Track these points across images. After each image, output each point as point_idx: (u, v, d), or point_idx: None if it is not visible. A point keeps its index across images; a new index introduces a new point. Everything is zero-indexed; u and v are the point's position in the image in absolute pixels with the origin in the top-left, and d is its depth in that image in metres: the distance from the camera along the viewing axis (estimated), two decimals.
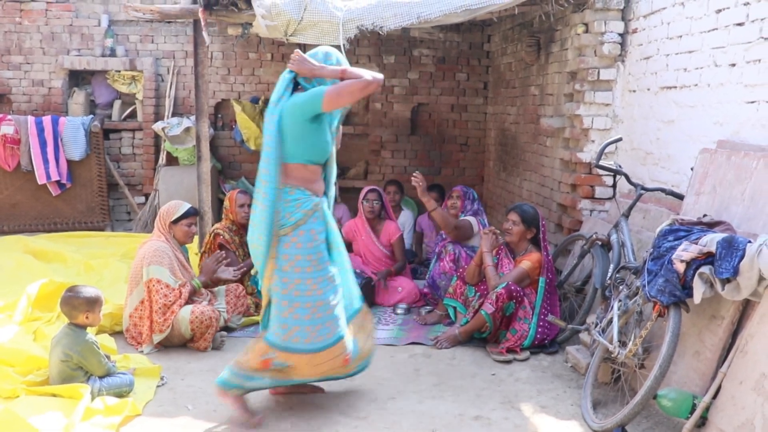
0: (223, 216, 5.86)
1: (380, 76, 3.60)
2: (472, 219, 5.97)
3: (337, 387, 4.25)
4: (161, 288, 4.81)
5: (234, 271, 5.31)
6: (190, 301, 4.93)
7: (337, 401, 4.10)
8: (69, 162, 8.49)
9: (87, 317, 4.01)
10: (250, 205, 5.74)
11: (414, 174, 5.76)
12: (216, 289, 5.28)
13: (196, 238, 6.04)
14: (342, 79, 3.62)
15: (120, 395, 3.98)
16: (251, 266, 5.78)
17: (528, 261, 5.11)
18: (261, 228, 3.67)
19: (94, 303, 4.03)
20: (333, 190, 3.95)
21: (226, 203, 5.81)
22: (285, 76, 3.73)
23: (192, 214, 5.14)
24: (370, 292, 6.07)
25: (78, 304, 3.99)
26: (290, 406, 4.04)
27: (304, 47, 8.26)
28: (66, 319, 4.10)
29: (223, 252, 5.33)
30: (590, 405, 3.93)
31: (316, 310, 3.67)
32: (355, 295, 3.99)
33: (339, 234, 3.90)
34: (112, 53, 8.92)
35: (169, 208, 5.13)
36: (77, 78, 9.23)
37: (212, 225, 5.93)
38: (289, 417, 3.91)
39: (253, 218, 3.74)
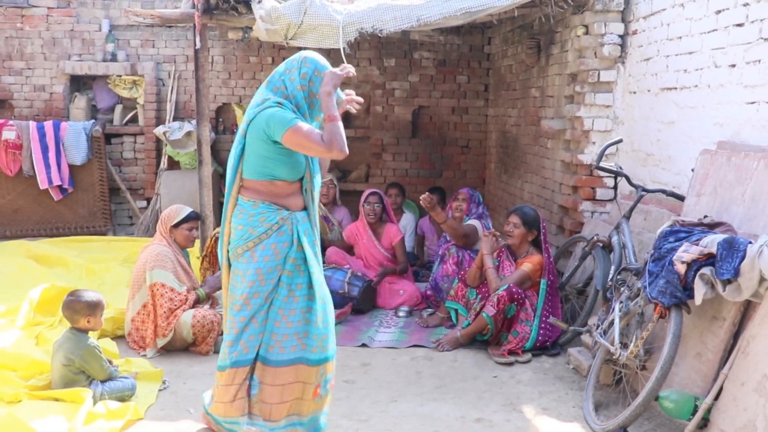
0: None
1: (345, 151, 3.29)
2: (476, 223, 5.97)
3: (338, 390, 4.25)
4: (166, 292, 4.82)
5: None
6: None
7: (338, 404, 4.09)
8: (71, 167, 8.50)
9: (88, 321, 4.02)
10: None
11: (423, 197, 5.66)
12: (217, 293, 5.27)
13: (198, 242, 6.03)
14: (324, 121, 3.31)
15: (122, 399, 3.99)
16: None
17: (529, 263, 5.11)
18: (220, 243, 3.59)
19: (95, 307, 4.04)
20: (315, 207, 3.60)
21: None
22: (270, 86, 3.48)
23: (193, 218, 5.14)
24: (371, 295, 6.07)
25: (79, 309, 4.00)
26: None
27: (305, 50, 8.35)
28: (68, 323, 4.10)
29: None
30: (592, 407, 3.93)
31: (236, 325, 3.45)
32: (308, 342, 3.47)
33: (315, 260, 3.52)
34: (113, 58, 8.94)
35: (170, 212, 5.14)
36: (78, 83, 9.25)
37: (213, 229, 5.93)
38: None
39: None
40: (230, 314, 3.50)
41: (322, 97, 3.37)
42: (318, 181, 3.62)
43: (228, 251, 3.55)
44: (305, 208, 3.56)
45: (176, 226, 5.07)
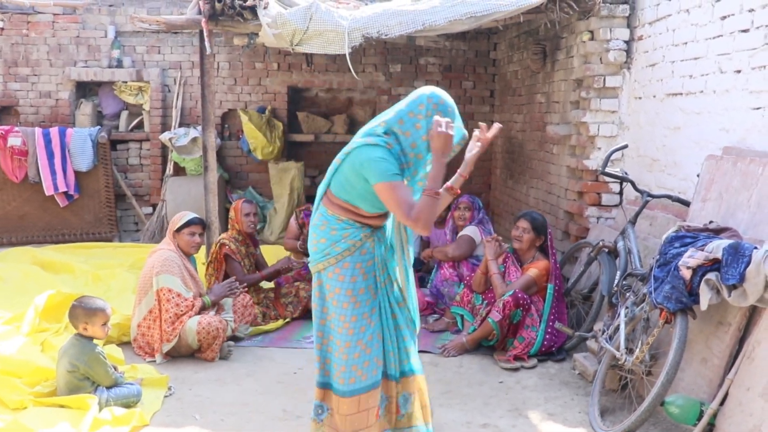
0: (229, 226, 5.90)
1: (428, 232, 3.20)
2: (472, 230, 5.99)
3: None
4: (173, 297, 4.84)
5: (239, 290, 5.31)
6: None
7: None
8: (76, 173, 8.54)
9: (86, 328, 4.02)
10: (255, 214, 5.79)
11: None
12: (223, 300, 5.29)
13: (203, 249, 6.07)
14: (425, 192, 3.17)
15: (128, 406, 4.01)
16: (258, 280, 5.81)
17: (535, 268, 5.12)
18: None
19: (93, 314, 4.02)
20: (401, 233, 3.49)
21: (232, 213, 5.84)
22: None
23: (195, 223, 5.15)
24: None
25: (78, 314, 4.02)
26: (298, 415, 4.06)
27: (311, 57, 8.40)
28: (73, 329, 4.13)
29: (237, 283, 5.32)
30: (598, 412, 3.94)
31: (345, 350, 3.35)
32: (406, 357, 3.50)
33: (407, 274, 3.49)
34: (119, 64, 9.00)
35: (175, 217, 5.18)
36: (84, 89, 9.31)
37: (219, 235, 5.97)
38: (297, 426, 3.92)
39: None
40: (342, 338, 3.37)
41: (433, 160, 3.21)
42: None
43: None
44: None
45: (178, 230, 5.10)
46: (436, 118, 3.17)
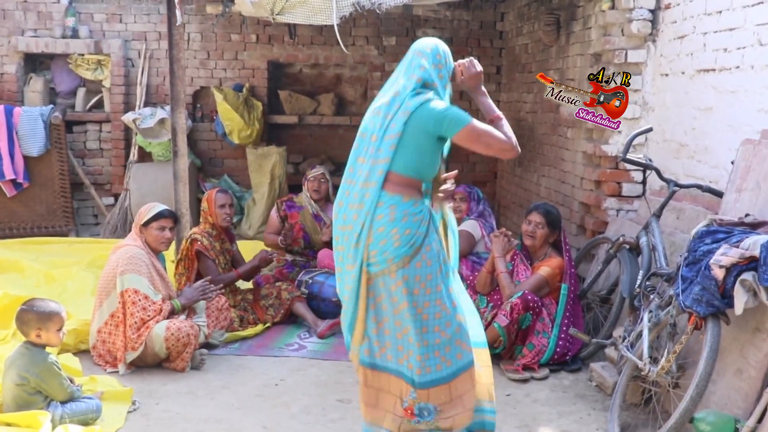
0: (201, 219, 5.87)
1: (519, 150, 3.66)
2: (471, 225, 5.95)
3: (332, 410, 4.25)
4: (139, 300, 4.82)
5: (214, 292, 5.28)
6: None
7: (332, 425, 4.11)
8: (26, 158, 8.48)
9: (39, 335, 3.97)
10: (231, 206, 5.77)
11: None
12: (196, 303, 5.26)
13: (173, 245, 6.03)
14: (491, 121, 3.69)
15: (86, 423, 3.98)
16: (234, 279, 5.79)
17: (547, 267, 5.12)
18: (349, 254, 3.60)
19: (47, 319, 3.97)
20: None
21: (204, 205, 5.81)
22: (418, 74, 3.63)
23: (165, 216, 5.13)
24: None
25: (28, 320, 3.96)
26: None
27: (294, 28, 8.36)
28: (23, 337, 4.09)
29: (212, 285, 5.29)
30: (618, 429, 3.94)
31: (447, 330, 3.56)
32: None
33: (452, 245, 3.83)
34: (74, 34, 8.93)
35: (142, 210, 5.15)
36: (34, 62, 9.24)
37: (190, 229, 5.94)
38: None
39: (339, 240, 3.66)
40: (442, 320, 3.57)
41: (477, 97, 3.77)
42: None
43: (371, 264, 3.54)
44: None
45: (146, 224, 5.07)
46: (459, 61, 3.76)
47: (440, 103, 3.57)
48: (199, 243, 5.62)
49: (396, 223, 3.47)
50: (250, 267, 5.89)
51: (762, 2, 4.43)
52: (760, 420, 3.42)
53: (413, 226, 3.49)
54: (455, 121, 3.50)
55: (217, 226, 5.78)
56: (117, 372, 4.80)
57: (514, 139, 3.61)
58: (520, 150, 3.66)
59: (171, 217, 5.19)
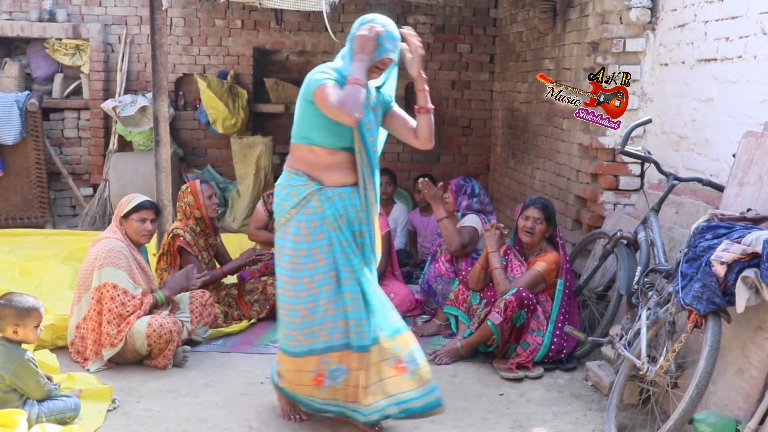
0: (181, 215, 5.75)
1: (354, 115, 3.67)
2: (474, 220, 5.92)
3: None
4: (118, 294, 4.79)
5: (197, 279, 5.27)
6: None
7: (321, 426, 4.10)
8: (1, 147, 8.44)
9: (15, 332, 3.93)
10: (215, 195, 5.75)
11: (422, 181, 5.75)
12: (178, 296, 5.24)
13: (155, 238, 6.00)
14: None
15: (63, 422, 3.96)
16: (219, 277, 5.77)
17: (543, 262, 5.11)
18: None
19: (25, 315, 3.94)
20: (371, 186, 3.96)
21: (189, 198, 5.67)
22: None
23: (146, 207, 5.09)
24: None
25: (5, 315, 3.92)
26: (265, 431, 4.04)
27: (281, 13, 8.32)
28: None
29: (196, 272, 5.27)
30: (615, 430, 3.95)
31: (286, 312, 3.91)
32: (369, 325, 3.87)
33: (367, 245, 3.97)
34: (52, 17, 8.87)
35: (122, 201, 5.12)
36: (9, 46, 9.18)
37: (172, 221, 5.90)
38: None
39: None
40: (283, 300, 3.94)
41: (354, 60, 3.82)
42: (370, 157, 3.93)
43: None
44: (353, 185, 3.92)
45: (126, 216, 5.04)
46: (408, 34, 3.94)
47: (321, 68, 3.84)
48: (181, 239, 5.57)
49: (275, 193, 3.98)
50: (236, 266, 5.87)
51: None
52: (762, 421, 3.43)
53: (279, 196, 3.91)
54: (311, 82, 3.76)
55: (205, 219, 5.72)
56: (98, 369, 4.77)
57: (348, 102, 3.63)
58: (353, 114, 3.64)
59: (152, 208, 5.16)
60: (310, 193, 3.82)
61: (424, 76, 3.90)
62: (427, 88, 3.90)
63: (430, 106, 3.91)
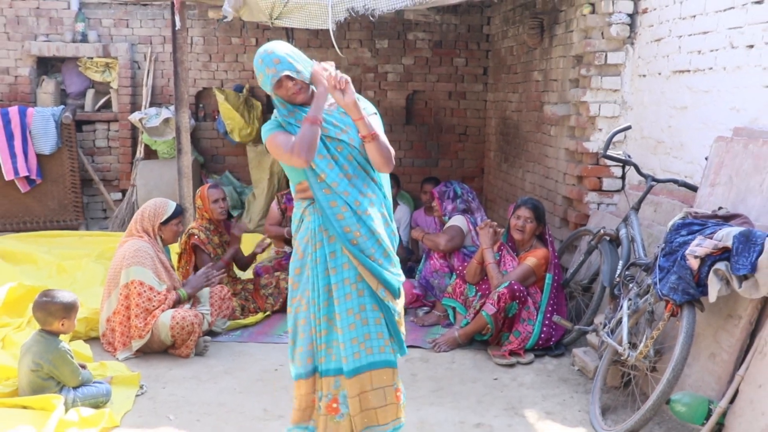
0: (197, 215, 5.81)
1: (302, 157, 3.11)
2: (459, 220, 5.93)
3: None
4: (144, 291, 4.81)
5: (217, 278, 5.29)
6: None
7: None
8: (39, 156, 8.45)
9: (63, 324, 3.99)
10: (224, 199, 5.75)
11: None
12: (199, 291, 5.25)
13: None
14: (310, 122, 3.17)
15: (96, 406, 3.98)
16: (221, 267, 5.74)
17: (533, 257, 5.11)
18: None
19: (71, 309, 4.01)
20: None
21: (199, 202, 5.72)
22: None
23: (180, 213, 5.19)
24: None
25: (55, 310, 3.96)
26: (280, 414, 4.04)
27: (292, 31, 8.32)
28: (36, 324, 4.08)
29: (215, 272, 5.30)
30: (599, 411, 3.94)
31: (290, 334, 3.44)
32: (343, 353, 3.28)
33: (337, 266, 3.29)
34: (84, 39, 8.88)
35: (157, 207, 5.11)
36: (46, 65, 9.19)
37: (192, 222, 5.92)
38: (278, 427, 3.90)
39: None
40: (289, 321, 3.47)
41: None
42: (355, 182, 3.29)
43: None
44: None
45: (165, 222, 5.07)
46: (326, 69, 3.24)
47: (265, 126, 3.34)
48: (196, 237, 5.61)
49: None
50: (231, 253, 5.78)
51: (733, 7, 4.42)
52: (732, 401, 3.43)
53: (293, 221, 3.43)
54: (263, 135, 3.30)
55: (214, 221, 5.75)
56: (127, 358, 4.79)
57: (297, 145, 3.11)
58: (301, 156, 3.11)
59: (183, 212, 5.25)
60: (304, 210, 3.33)
61: (360, 105, 3.18)
62: (363, 115, 3.17)
63: (372, 132, 3.18)
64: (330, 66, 3.28)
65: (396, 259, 3.36)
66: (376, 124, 3.30)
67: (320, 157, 3.22)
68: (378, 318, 3.28)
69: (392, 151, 3.29)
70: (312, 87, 3.28)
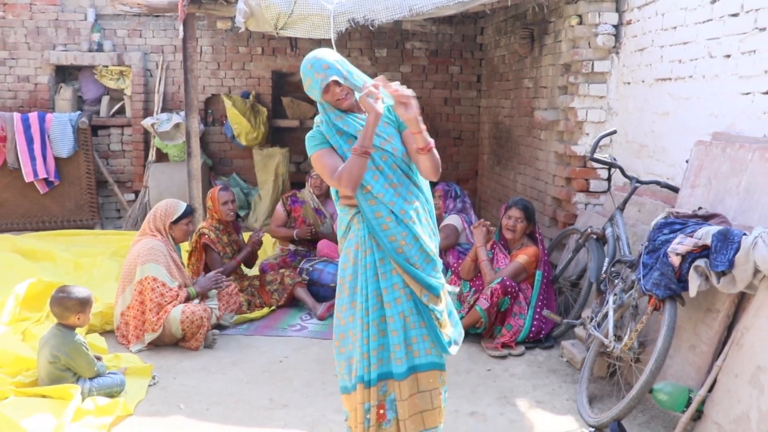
0: (207, 215, 5.84)
1: (349, 189, 3.05)
2: (454, 219, 5.97)
3: (329, 385, 4.26)
4: (157, 286, 4.82)
5: (224, 283, 5.30)
6: None
7: (330, 398, 4.11)
8: (57, 159, 8.46)
9: (78, 318, 4.01)
10: (234, 201, 5.75)
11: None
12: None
13: None
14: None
15: (111, 395, 3.99)
16: (235, 266, 5.76)
17: (524, 255, 5.12)
18: None
19: (86, 303, 4.03)
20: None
21: (209, 203, 5.76)
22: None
23: (190, 213, 5.20)
24: None
25: (71, 305, 3.98)
26: (284, 404, 4.05)
27: (295, 41, 8.33)
28: (54, 319, 4.09)
29: (224, 277, 5.32)
30: (586, 399, 3.95)
31: (337, 342, 3.25)
32: (397, 355, 3.14)
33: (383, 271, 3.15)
34: (100, 48, 8.89)
35: (168, 207, 5.12)
36: (64, 73, 9.20)
37: (202, 222, 5.92)
38: (283, 416, 3.92)
39: None
40: (335, 330, 3.28)
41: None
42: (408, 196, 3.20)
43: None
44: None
45: (175, 222, 5.08)
46: (368, 82, 3.13)
47: (308, 135, 3.29)
48: (206, 236, 5.62)
49: None
50: (246, 253, 5.84)
51: (711, 19, 4.43)
52: (710, 389, 3.44)
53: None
54: (307, 149, 3.26)
55: (223, 221, 5.76)
56: (140, 350, 4.80)
57: (345, 176, 3.01)
58: (349, 188, 3.04)
59: (193, 212, 5.25)
60: (351, 217, 3.21)
61: (420, 121, 3.06)
62: (422, 128, 3.06)
63: (429, 145, 3.10)
64: (382, 80, 3.13)
65: (439, 263, 3.25)
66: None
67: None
68: (423, 321, 3.16)
69: (439, 159, 3.19)
70: (356, 95, 3.20)
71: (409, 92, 3.06)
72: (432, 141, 3.12)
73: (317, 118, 3.29)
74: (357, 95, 3.18)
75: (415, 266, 3.14)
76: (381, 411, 3.18)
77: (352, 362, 3.19)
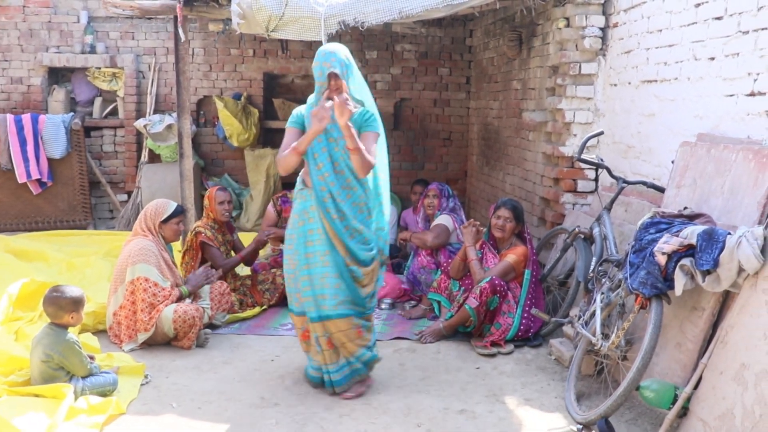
0: (203, 214, 5.83)
1: (279, 169, 4.02)
2: (445, 219, 5.97)
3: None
4: (149, 287, 4.79)
5: (215, 276, 5.27)
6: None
7: (320, 396, 4.10)
8: (50, 160, 8.42)
9: (71, 317, 3.98)
10: (230, 202, 5.73)
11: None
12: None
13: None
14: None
15: (104, 394, 3.96)
16: (238, 262, 5.76)
17: (513, 254, 5.13)
18: None
19: (79, 303, 4.00)
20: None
21: (206, 202, 5.76)
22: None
23: (180, 212, 5.15)
24: None
25: (64, 304, 3.95)
26: (276, 402, 4.04)
27: (286, 43, 8.31)
28: (47, 318, 4.06)
29: (213, 270, 5.29)
30: (574, 397, 3.95)
31: (288, 281, 4.19)
32: (308, 304, 4.06)
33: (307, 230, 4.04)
34: (92, 50, 8.84)
35: (158, 207, 5.10)
36: (57, 75, 9.15)
37: (194, 222, 5.90)
38: (274, 414, 3.91)
39: None
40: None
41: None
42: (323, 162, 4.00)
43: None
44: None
45: (165, 221, 5.05)
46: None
47: (299, 107, 4.19)
48: (203, 235, 5.60)
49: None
50: (251, 250, 5.85)
51: (696, 22, 4.45)
52: (696, 387, 3.45)
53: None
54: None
55: (218, 221, 5.74)
56: (132, 349, 4.77)
57: (280, 160, 3.95)
58: (278, 166, 4.00)
59: (183, 212, 5.21)
60: (298, 191, 4.12)
61: (350, 126, 3.79)
62: (352, 133, 3.79)
63: (355, 146, 3.81)
64: (340, 99, 3.79)
65: (369, 239, 4.04)
66: (369, 136, 3.99)
67: (323, 150, 3.98)
68: (339, 283, 3.96)
69: (372, 162, 3.90)
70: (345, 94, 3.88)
71: (350, 105, 3.79)
72: (362, 146, 3.83)
73: (311, 97, 4.06)
74: (351, 104, 3.84)
75: (344, 230, 3.96)
76: (306, 333, 4.17)
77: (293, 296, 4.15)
